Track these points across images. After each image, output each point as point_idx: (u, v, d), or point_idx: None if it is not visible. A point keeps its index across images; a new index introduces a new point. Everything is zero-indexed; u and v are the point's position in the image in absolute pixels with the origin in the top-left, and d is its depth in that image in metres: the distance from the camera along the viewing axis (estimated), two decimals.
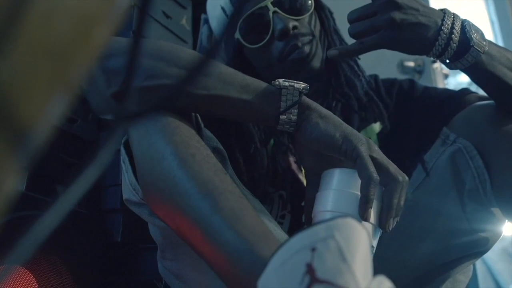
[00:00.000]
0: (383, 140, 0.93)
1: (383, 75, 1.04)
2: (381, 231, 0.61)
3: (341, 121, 0.62)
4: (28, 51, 0.20)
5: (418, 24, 0.71)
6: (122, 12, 0.23)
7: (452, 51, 0.72)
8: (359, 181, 0.58)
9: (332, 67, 0.93)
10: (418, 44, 0.72)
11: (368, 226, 0.58)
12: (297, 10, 0.87)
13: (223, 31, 0.27)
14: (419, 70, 1.67)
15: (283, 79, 0.63)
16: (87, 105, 0.97)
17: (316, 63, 0.87)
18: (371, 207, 0.57)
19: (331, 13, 0.97)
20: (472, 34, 0.72)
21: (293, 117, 0.61)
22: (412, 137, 0.92)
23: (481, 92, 0.85)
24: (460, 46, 0.72)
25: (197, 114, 0.66)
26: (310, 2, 0.89)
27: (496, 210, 0.79)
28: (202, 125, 0.66)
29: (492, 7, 2.29)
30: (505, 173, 0.76)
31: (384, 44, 0.72)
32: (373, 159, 0.58)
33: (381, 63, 1.57)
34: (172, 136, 0.57)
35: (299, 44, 0.85)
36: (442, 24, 0.72)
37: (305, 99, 0.62)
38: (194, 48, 1.24)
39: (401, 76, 1.65)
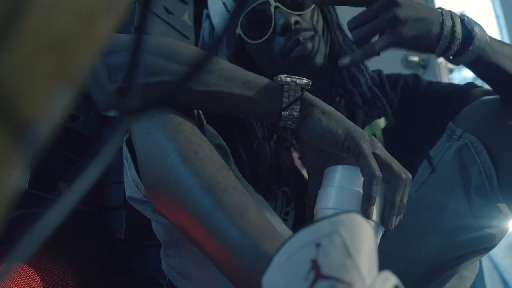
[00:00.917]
0: (388, 136, 0.93)
1: (387, 70, 1.04)
2: (383, 229, 0.60)
3: (344, 117, 0.62)
4: (30, 44, 0.20)
5: (421, 19, 0.70)
6: (125, 6, 0.23)
7: (457, 45, 0.72)
8: (362, 178, 0.57)
9: (335, 63, 0.92)
10: (425, 39, 0.71)
11: (371, 223, 0.58)
12: (299, 5, 0.87)
13: (225, 27, 0.27)
14: (424, 65, 1.67)
15: (285, 75, 0.62)
16: (90, 101, 0.97)
17: (319, 59, 0.87)
18: (373, 205, 0.57)
19: (334, 7, 0.97)
20: (473, 27, 0.72)
21: (295, 113, 0.61)
22: (418, 132, 0.92)
23: (486, 86, 0.84)
24: (463, 39, 0.72)
25: (200, 111, 0.66)
26: None
27: (502, 206, 0.78)
28: (205, 122, 0.66)
29: (497, 2, 2.28)
30: None
31: (392, 44, 0.71)
32: (376, 156, 0.58)
33: (385, 58, 1.56)
34: (174, 133, 0.57)
35: (301, 39, 0.84)
36: (443, 19, 0.72)
37: (308, 95, 0.62)
38: (196, 43, 1.23)
39: (405, 71, 1.65)
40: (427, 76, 1.61)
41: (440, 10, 0.74)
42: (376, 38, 0.72)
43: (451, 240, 0.80)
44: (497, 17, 2.23)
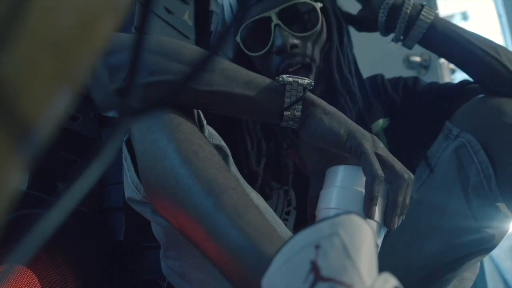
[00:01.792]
0: (390, 137, 0.93)
1: (389, 70, 1.04)
2: (386, 229, 0.61)
3: (346, 117, 0.62)
4: (31, 45, 0.20)
5: None
6: (126, 7, 0.24)
7: (402, 17, 0.83)
8: (364, 179, 0.58)
9: (330, 90, 0.92)
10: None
11: (373, 224, 0.58)
12: (301, 26, 0.86)
13: (225, 30, 0.27)
14: (426, 65, 1.67)
15: (287, 75, 0.63)
16: (89, 102, 0.97)
17: (315, 87, 0.87)
18: (375, 205, 0.57)
19: (348, 35, 0.96)
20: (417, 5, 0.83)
21: (297, 113, 0.61)
22: (416, 133, 0.92)
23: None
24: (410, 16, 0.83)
25: (200, 111, 0.66)
26: (318, 19, 0.87)
27: (501, 206, 0.79)
28: (205, 122, 0.67)
29: (499, 1, 2.28)
30: (510, 168, 0.75)
31: None
32: (378, 156, 0.58)
33: (387, 58, 1.56)
34: (174, 133, 0.57)
35: (294, 63, 0.84)
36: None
37: (310, 95, 0.62)
38: (197, 43, 1.24)
39: (407, 71, 1.65)
40: (429, 76, 1.61)
41: None
42: None
43: (451, 242, 0.80)
44: (499, 16, 2.23)
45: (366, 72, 0.99)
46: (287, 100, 0.61)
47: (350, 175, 0.61)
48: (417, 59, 1.67)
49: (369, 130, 0.92)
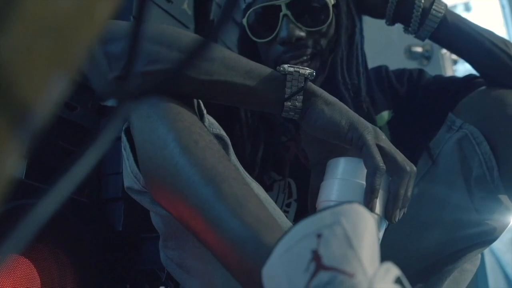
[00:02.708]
0: (393, 129, 0.93)
1: (390, 61, 1.04)
2: (387, 222, 0.60)
3: (347, 108, 0.61)
4: (28, 29, 0.20)
5: None
6: None
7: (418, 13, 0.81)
8: (365, 171, 0.57)
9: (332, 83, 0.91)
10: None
11: (374, 217, 0.58)
12: (310, 20, 0.85)
13: (224, 15, 0.27)
14: (427, 56, 1.66)
15: (288, 65, 0.62)
16: (87, 92, 0.97)
17: (319, 78, 0.86)
18: (376, 197, 0.57)
19: (361, 32, 0.94)
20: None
21: (298, 104, 0.61)
22: (419, 124, 0.92)
23: None
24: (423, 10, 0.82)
25: (200, 101, 0.66)
26: (329, 16, 0.86)
27: (504, 198, 0.79)
28: (205, 112, 0.66)
29: None
30: None
31: None
32: (380, 148, 0.58)
33: (389, 49, 1.56)
34: (174, 122, 0.57)
35: (299, 55, 0.83)
36: None
37: (311, 85, 0.62)
38: (196, 33, 1.23)
39: (409, 62, 1.65)
40: (431, 67, 1.61)
41: None
42: None
43: (452, 234, 0.81)
44: (502, 7, 2.23)
45: (367, 63, 0.99)
46: (288, 91, 0.61)
47: (351, 167, 0.60)
48: (419, 49, 1.66)
49: (374, 122, 0.91)
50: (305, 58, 0.84)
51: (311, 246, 0.41)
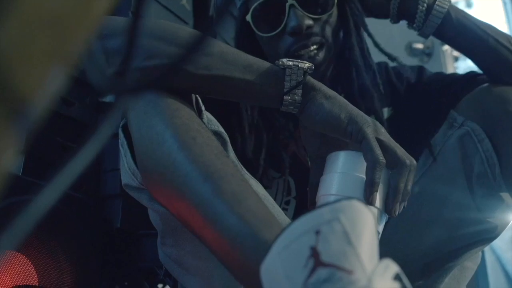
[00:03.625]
0: (393, 126, 0.93)
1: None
2: (387, 216, 0.61)
3: (347, 102, 0.62)
4: (26, 22, 0.20)
5: None
6: None
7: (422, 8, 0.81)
8: (365, 164, 0.58)
9: (341, 67, 0.92)
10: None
11: (374, 210, 0.58)
12: (316, 8, 0.85)
13: (220, 10, 0.27)
14: (428, 53, 1.66)
15: (287, 59, 0.62)
16: (85, 87, 0.97)
17: (322, 67, 0.87)
18: (376, 191, 0.57)
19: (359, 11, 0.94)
20: None
21: (298, 98, 0.61)
22: (420, 121, 0.92)
23: None
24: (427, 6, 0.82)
25: (198, 97, 0.66)
26: (332, 1, 0.86)
27: (505, 195, 0.79)
28: (203, 108, 0.66)
29: None
30: None
31: None
32: (380, 141, 0.58)
33: (389, 46, 1.55)
34: (172, 119, 0.57)
35: (309, 44, 0.83)
36: None
37: (310, 79, 0.62)
38: (195, 28, 1.23)
39: (409, 59, 1.65)
40: (431, 64, 1.61)
41: None
42: None
43: (453, 231, 0.81)
44: (504, 3, 2.22)
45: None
46: (287, 85, 0.61)
47: (351, 160, 0.60)
48: (420, 46, 1.66)
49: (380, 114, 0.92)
50: (315, 46, 0.84)
51: (310, 243, 0.41)
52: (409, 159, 0.59)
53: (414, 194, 0.81)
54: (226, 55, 0.62)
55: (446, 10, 0.81)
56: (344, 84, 0.91)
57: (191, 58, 0.26)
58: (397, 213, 0.60)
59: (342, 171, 0.60)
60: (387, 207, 0.59)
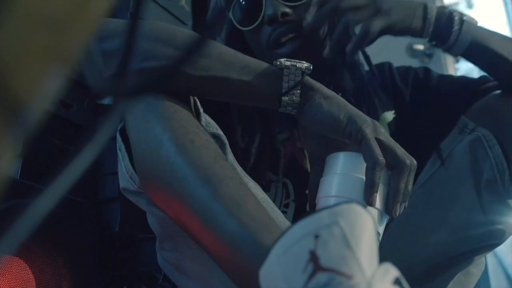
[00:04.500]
0: (397, 129, 0.93)
1: (391, 58, 1.03)
2: (387, 217, 0.60)
3: (345, 102, 0.61)
4: (23, 22, 0.20)
5: (404, 5, 0.80)
6: None
7: (447, 27, 0.79)
8: (365, 165, 0.57)
9: (336, 67, 0.92)
10: (412, 20, 0.79)
11: (374, 211, 0.58)
12: None
13: (216, 15, 0.27)
14: (429, 54, 1.66)
15: (285, 59, 0.62)
16: (83, 90, 0.97)
17: (308, 57, 0.86)
18: (376, 191, 0.57)
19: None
20: (461, 15, 0.79)
21: (296, 98, 0.61)
22: (428, 125, 0.92)
23: None
24: (449, 23, 0.80)
25: (196, 99, 0.66)
26: None
27: None
28: (201, 110, 0.66)
29: None
30: None
31: (384, 25, 0.77)
32: (379, 141, 0.58)
33: (390, 46, 1.55)
34: (170, 122, 0.57)
35: (287, 31, 0.84)
36: (425, 4, 0.81)
37: (308, 79, 0.62)
38: (194, 30, 1.23)
39: (410, 60, 1.65)
40: (432, 65, 1.60)
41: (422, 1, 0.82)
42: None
43: (459, 235, 0.81)
44: (505, 4, 2.23)
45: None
46: (285, 85, 0.61)
47: (350, 161, 0.60)
48: (420, 47, 1.67)
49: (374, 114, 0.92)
50: (294, 34, 0.84)
51: (309, 247, 0.41)
52: (409, 159, 0.59)
53: (421, 196, 0.82)
54: (223, 56, 0.62)
55: (476, 27, 0.80)
56: (334, 85, 0.91)
57: (190, 60, 0.26)
58: (397, 214, 0.59)
59: (342, 172, 0.60)
60: (387, 208, 0.59)
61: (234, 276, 0.52)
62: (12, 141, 0.21)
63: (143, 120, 0.59)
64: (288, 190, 0.89)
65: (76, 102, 0.96)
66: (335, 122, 0.59)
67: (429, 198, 0.82)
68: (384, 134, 0.60)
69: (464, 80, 0.93)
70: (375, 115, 0.92)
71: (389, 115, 0.94)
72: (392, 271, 0.41)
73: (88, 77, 0.67)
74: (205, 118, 0.67)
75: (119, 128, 0.65)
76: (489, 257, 1.68)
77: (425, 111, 0.92)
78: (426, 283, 0.84)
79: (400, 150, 0.59)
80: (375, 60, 1.02)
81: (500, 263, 1.73)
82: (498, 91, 0.83)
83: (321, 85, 0.63)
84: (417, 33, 0.80)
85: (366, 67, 0.95)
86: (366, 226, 0.42)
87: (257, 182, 0.73)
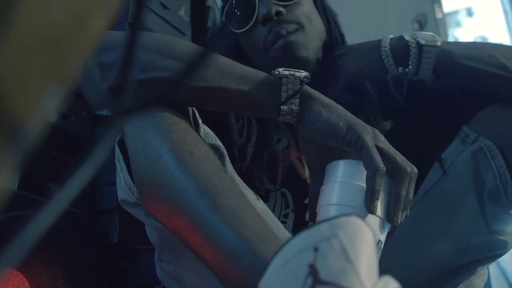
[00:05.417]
0: (394, 139, 0.92)
1: None
2: (389, 225, 0.60)
3: (345, 110, 0.62)
4: (21, 42, 0.20)
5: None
6: (119, 2, 0.24)
7: (412, 51, 0.80)
8: (365, 173, 0.57)
9: (327, 57, 0.93)
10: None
11: (375, 219, 0.58)
12: None
13: (219, 30, 0.27)
14: None
15: (283, 68, 0.63)
16: (82, 100, 0.97)
17: (303, 53, 0.86)
18: (377, 199, 0.57)
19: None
20: (417, 40, 0.81)
21: (295, 107, 0.61)
22: (428, 135, 0.92)
23: None
24: (408, 49, 0.81)
25: (195, 110, 0.66)
26: None
27: None
28: (200, 121, 0.67)
29: None
30: None
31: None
32: (379, 149, 0.58)
33: None
34: (168, 133, 0.57)
35: (283, 32, 0.84)
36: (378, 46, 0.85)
37: (307, 88, 0.62)
38: (193, 40, 1.24)
39: None
40: None
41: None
42: None
43: (461, 246, 0.80)
44: (505, 12, 2.24)
45: None
46: (284, 94, 0.61)
47: (351, 169, 0.61)
48: None
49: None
50: (289, 32, 0.85)
51: (308, 260, 0.41)
52: (409, 167, 0.59)
53: (423, 207, 0.82)
54: (221, 66, 0.62)
55: (437, 48, 0.80)
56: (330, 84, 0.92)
57: (191, 72, 0.26)
58: (399, 221, 0.59)
59: (342, 180, 0.60)
60: (389, 216, 0.59)
61: None
62: (11, 155, 0.21)
63: (142, 131, 0.59)
64: (287, 200, 0.89)
65: (75, 113, 0.96)
66: (335, 130, 0.60)
67: (431, 209, 0.82)
68: (384, 142, 0.60)
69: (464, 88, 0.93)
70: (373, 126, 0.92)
71: (387, 125, 0.94)
72: (392, 284, 0.41)
73: (85, 90, 0.68)
74: (204, 129, 0.67)
75: (117, 139, 0.65)
76: (492, 266, 1.67)
77: (424, 120, 0.92)
78: None
79: (400, 158, 0.59)
80: None
81: (503, 272, 1.73)
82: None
83: (319, 93, 0.63)
84: (381, 72, 0.85)
85: None
86: (366, 238, 0.42)
87: (256, 191, 0.73)
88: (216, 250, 0.50)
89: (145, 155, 0.58)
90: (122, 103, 0.26)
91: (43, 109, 0.22)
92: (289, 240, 0.43)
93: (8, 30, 0.19)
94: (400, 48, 0.82)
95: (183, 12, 1.23)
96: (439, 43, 0.80)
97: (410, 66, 0.82)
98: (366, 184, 0.57)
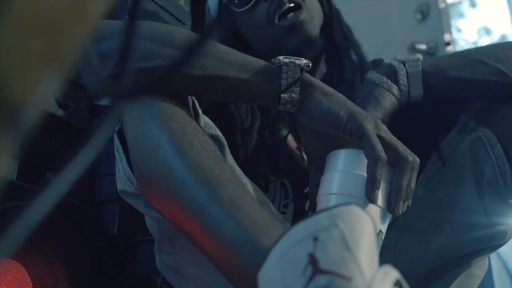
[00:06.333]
0: (394, 129, 0.92)
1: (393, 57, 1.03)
2: (390, 215, 0.60)
3: (345, 98, 0.61)
4: (18, 27, 0.20)
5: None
6: None
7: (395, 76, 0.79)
8: (366, 162, 0.57)
9: (328, 32, 0.94)
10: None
11: (376, 209, 0.58)
12: None
13: (217, 17, 0.27)
14: (432, 53, 1.66)
15: (283, 56, 0.62)
16: (80, 90, 0.97)
17: (310, 29, 0.87)
18: (378, 188, 0.56)
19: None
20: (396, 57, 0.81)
21: (295, 95, 0.61)
22: (426, 124, 0.92)
23: None
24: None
25: (195, 100, 0.66)
26: None
27: None
28: (200, 111, 0.67)
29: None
30: None
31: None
32: (381, 138, 0.58)
33: (392, 46, 1.56)
34: (168, 123, 0.57)
35: (284, 1, 0.84)
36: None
37: (307, 76, 0.62)
38: (193, 29, 1.23)
39: None
40: None
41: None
42: None
43: (461, 237, 0.81)
44: (509, 3, 2.23)
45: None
46: (284, 82, 0.61)
47: (351, 158, 0.60)
48: (423, 47, 1.66)
49: None
50: (292, 5, 0.85)
51: (308, 250, 0.41)
52: (411, 156, 0.59)
53: (421, 197, 0.82)
54: (221, 54, 0.62)
55: (420, 68, 0.79)
56: (334, 58, 0.93)
57: (189, 60, 0.26)
58: (400, 212, 0.59)
59: (343, 169, 0.60)
60: (390, 206, 0.58)
61: (232, 279, 0.52)
62: (9, 144, 0.21)
63: (141, 121, 0.59)
64: (286, 190, 0.89)
65: (74, 103, 0.96)
66: (336, 118, 0.59)
67: (430, 199, 0.82)
68: (386, 131, 0.60)
69: None
70: None
71: None
72: (392, 273, 0.41)
73: (85, 78, 0.67)
74: (204, 119, 0.67)
75: (116, 129, 0.65)
76: (493, 259, 1.68)
77: (423, 110, 0.92)
78: (428, 285, 0.84)
79: (402, 147, 0.59)
80: (374, 56, 1.02)
81: (505, 265, 1.73)
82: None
83: (320, 81, 0.63)
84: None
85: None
86: (366, 227, 0.42)
87: (256, 182, 0.73)
88: (215, 240, 0.50)
89: (144, 145, 0.58)
90: (121, 90, 0.26)
91: (41, 95, 0.22)
92: (288, 229, 0.43)
93: (5, 14, 0.19)
94: (390, 71, 0.81)
95: (183, 2, 1.23)
96: (421, 58, 0.80)
97: (401, 85, 0.81)
98: (367, 173, 0.57)
